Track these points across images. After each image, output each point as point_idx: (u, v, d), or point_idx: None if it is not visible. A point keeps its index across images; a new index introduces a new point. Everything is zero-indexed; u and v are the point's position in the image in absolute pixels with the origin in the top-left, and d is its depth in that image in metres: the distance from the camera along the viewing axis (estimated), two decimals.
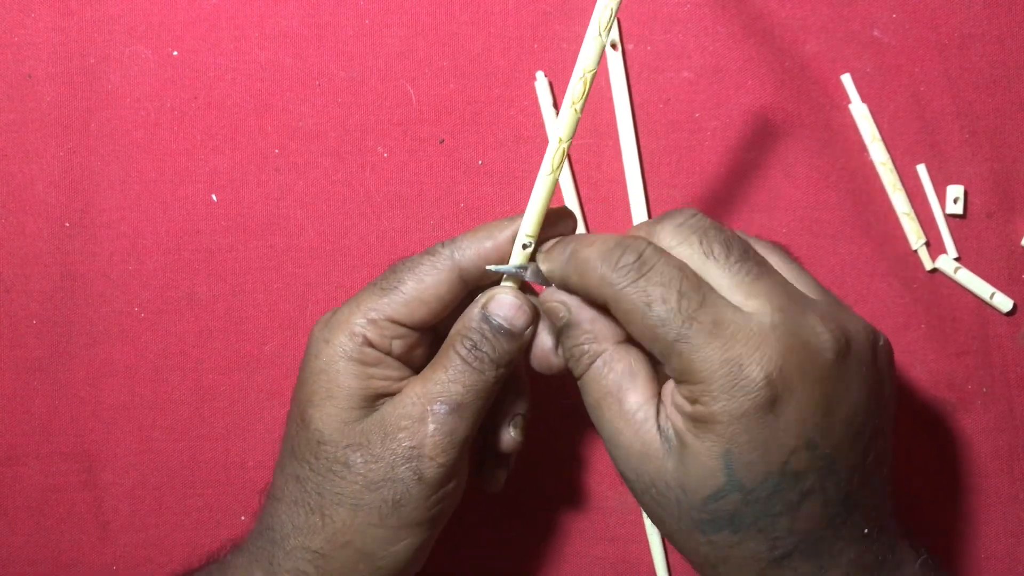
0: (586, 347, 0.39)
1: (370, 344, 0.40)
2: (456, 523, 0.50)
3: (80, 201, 0.51)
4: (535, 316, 0.41)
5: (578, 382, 0.40)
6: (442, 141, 0.51)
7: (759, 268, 0.37)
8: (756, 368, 0.34)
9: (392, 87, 0.51)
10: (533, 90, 0.51)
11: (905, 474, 0.50)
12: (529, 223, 0.40)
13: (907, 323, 0.50)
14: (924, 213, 0.51)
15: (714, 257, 0.37)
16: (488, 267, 0.40)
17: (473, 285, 0.41)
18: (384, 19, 0.51)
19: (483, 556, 0.50)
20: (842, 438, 0.36)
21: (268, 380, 0.51)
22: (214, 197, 0.51)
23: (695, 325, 0.35)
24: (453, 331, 0.41)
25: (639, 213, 0.50)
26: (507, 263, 0.40)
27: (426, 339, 0.42)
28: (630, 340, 0.39)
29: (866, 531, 0.37)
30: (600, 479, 0.51)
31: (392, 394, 0.40)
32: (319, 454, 0.39)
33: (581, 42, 0.51)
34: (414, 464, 0.39)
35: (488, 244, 0.40)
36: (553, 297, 0.40)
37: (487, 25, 0.51)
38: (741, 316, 0.35)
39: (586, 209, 0.51)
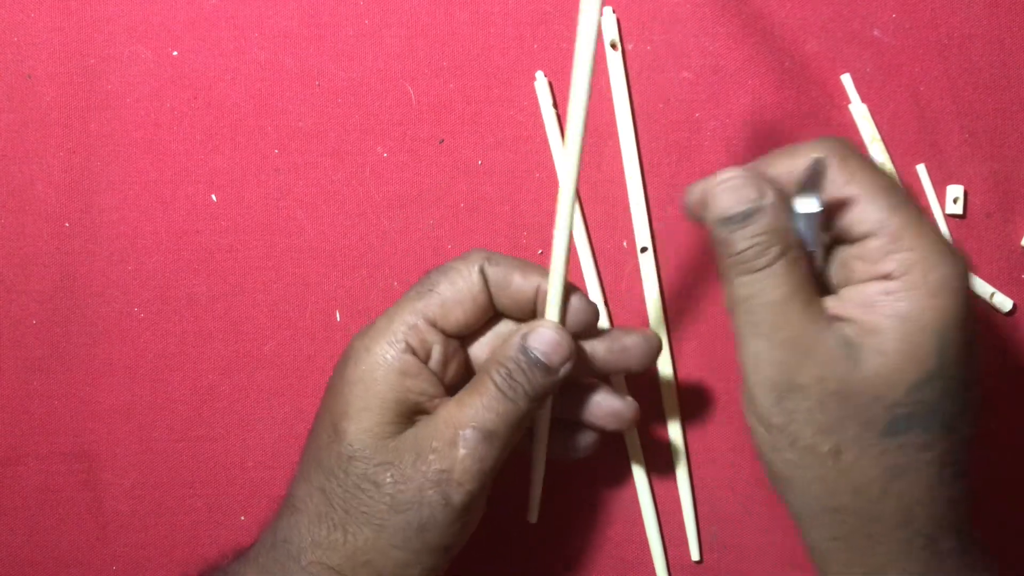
0: (780, 236, 0.37)
1: (411, 351, 0.40)
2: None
3: (80, 201, 0.51)
4: (575, 353, 0.41)
5: (752, 276, 0.37)
6: (442, 141, 0.51)
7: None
8: (960, 255, 0.36)
9: (392, 87, 0.51)
10: (533, 90, 0.51)
11: None
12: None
13: None
14: (924, 213, 0.51)
15: None
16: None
17: (495, 301, 0.42)
18: (384, 19, 0.51)
19: (483, 556, 0.50)
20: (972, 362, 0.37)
21: (268, 380, 0.51)
22: (214, 197, 0.51)
23: (911, 199, 0.37)
24: (491, 359, 0.40)
25: (639, 213, 0.50)
26: (528, 305, 0.42)
27: (459, 355, 0.42)
28: None
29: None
30: (600, 479, 0.51)
31: (427, 411, 0.40)
32: (349, 470, 0.39)
33: None
34: (443, 489, 0.38)
35: (518, 279, 0.41)
36: (748, 175, 0.38)
37: (487, 25, 0.51)
38: None
39: (586, 209, 0.51)
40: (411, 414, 0.40)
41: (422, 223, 0.51)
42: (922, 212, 0.37)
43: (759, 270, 0.37)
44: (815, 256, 0.38)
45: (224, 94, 0.51)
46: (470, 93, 0.51)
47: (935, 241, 0.36)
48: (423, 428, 0.39)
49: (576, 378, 0.43)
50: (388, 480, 0.38)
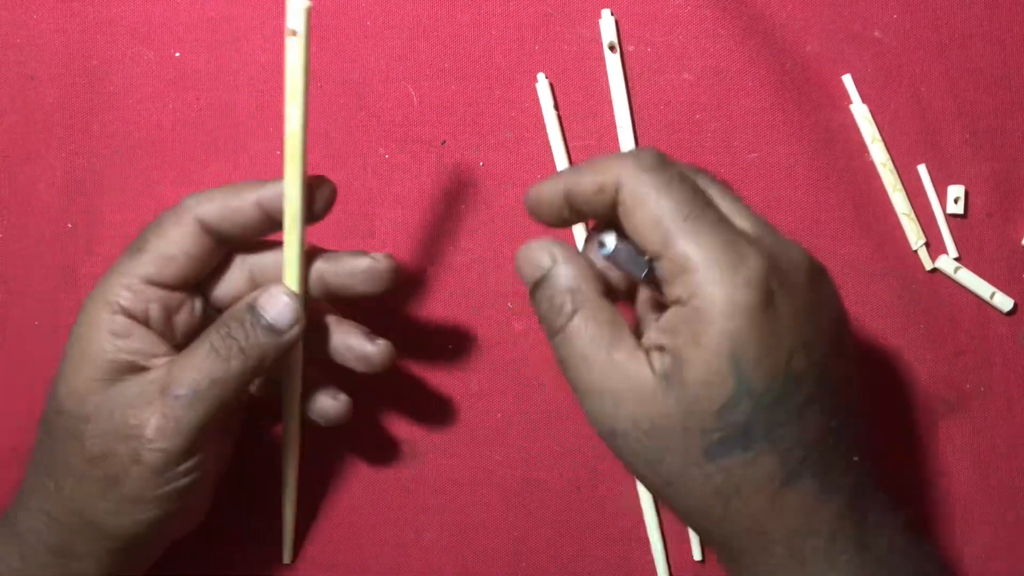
0: (570, 295, 0.38)
1: (125, 312, 0.40)
2: (455, 522, 0.50)
3: (82, 202, 0.51)
4: (303, 318, 0.41)
5: (557, 337, 0.38)
6: (444, 142, 0.51)
7: (734, 200, 0.39)
8: (755, 259, 0.35)
9: (393, 88, 0.51)
10: (534, 92, 0.51)
11: (905, 473, 0.50)
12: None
13: (907, 323, 0.51)
14: (925, 213, 0.51)
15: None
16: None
17: (224, 242, 0.42)
18: (385, 20, 0.51)
19: (482, 556, 0.50)
20: (828, 349, 0.36)
21: None
22: None
23: (704, 214, 0.35)
24: (218, 319, 0.41)
25: None
26: (250, 226, 0.41)
27: (191, 304, 0.42)
28: (607, 295, 0.38)
29: (856, 459, 0.37)
30: (600, 479, 0.51)
31: (142, 368, 0.40)
32: (56, 423, 0.40)
33: (582, 44, 0.51)
34: (132, 445, 0.39)
35: (234, 202, 0.40)
36: (541, 243, 0.39)
37: (488, 27, 0.51)
38: (732, 220, 0.37)
39: None
40: (125, 371, 0.40)
41: (422, 223, 0.51)
42: (718, 226, 0.35)
43: (560, 330, 0.38)
44: (648, 278, 0.38)
45: (226, 95, 0.51)
46: (472, 94, 0.51)
47: (722, 257, 0.35)
48: (129, 385, 0.39)
49: (318, 317, 0.44)
50: (86, 434, 0.39)
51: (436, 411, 0.51)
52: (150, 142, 0.51)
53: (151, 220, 0.50)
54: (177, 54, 0.51)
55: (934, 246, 0.51)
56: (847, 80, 0.51)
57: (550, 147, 0.51)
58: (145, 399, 0.39)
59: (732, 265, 0.34)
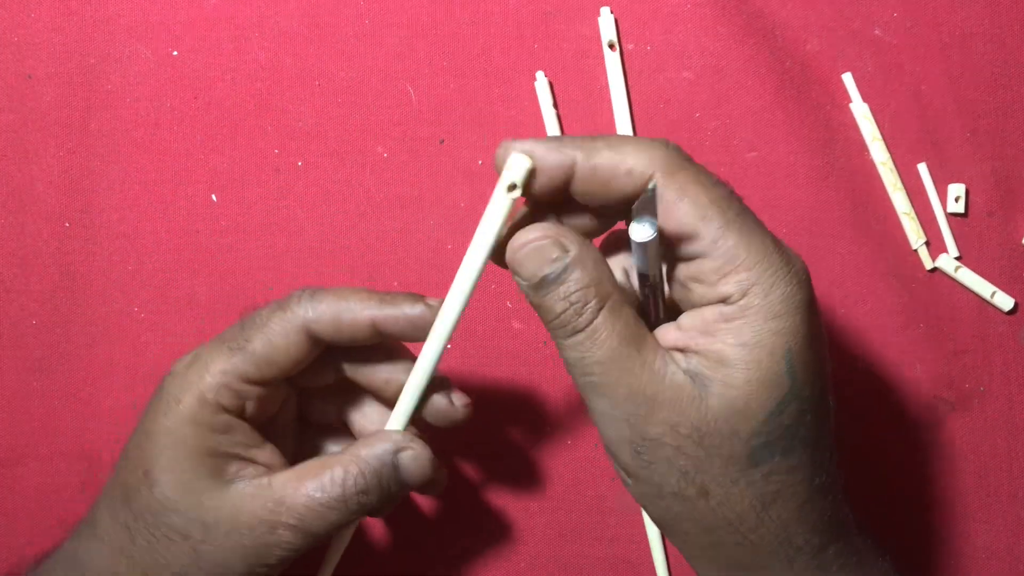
0: (593, 290, 0.34)
1: (223, 409, 0.39)
2: (454, 522, 0.50)
3: (80, 201, 0.51)
4: (437, 478, 0.40)
5: (578, 336, 0.34)
6: (442, 141, 0.51)
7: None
8: (800, 260, 0.34)
9: (392, 87, 0.51)
10: (533, 90, 0.51)
11: (905, 472, 0.50)
12: (518, 166, 0.35)
13: (907, 322, 0.50)
14: (925, 212, 0.51)
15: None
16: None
17: (329, 342, 0.40)
18: (384, 19, 0.51)
19: (482, 556, 0.50)
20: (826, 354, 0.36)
21: None
22: (214, 197, 0.51)
23: (748, 212, 0.34)
24: (351, 454, 0.39)
25: None
26: (363, 339, 0.39)
27: (280, 393, 0.41)
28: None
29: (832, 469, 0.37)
30: (600, 478, 0.50)
31: (243, 461, 0.39)
32: (160, 519, 0.38)
33: (582, 42, 0.51)
34: (249, 562, 0.38)
35: (347, 316, 0.39)
36: (546, 231, 0.35)
37: (487, 25, 0.51)
38: None
39: None
40: (226, 465, 0.39)
41: (422, 223, 0.51)
42: (759, 225, 0.34)
43: (582, 330, 0.34)
44: (657, 282, 0.36)
45: (224, 94, 0.51)
46: (470, 93, 0.51)
47: (772, 257, 0.33)
48: (246, 500, 0.38)
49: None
50: (198, 537, 0.38)
51: None
52: (148, 141, 0.51)
53: (148, 220, 0.51)
54: (175, 53, 0.51)
55: (934, 245, 0.51)
56: (847, 79, 0.51)
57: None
58: (267, 525, 0.38)
59: (785, 264, 0.33)
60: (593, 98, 0.51)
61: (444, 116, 0.51)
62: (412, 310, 0.39)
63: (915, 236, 0.50)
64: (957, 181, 0.51)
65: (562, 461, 0.51)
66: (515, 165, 0.34)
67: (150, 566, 0.38)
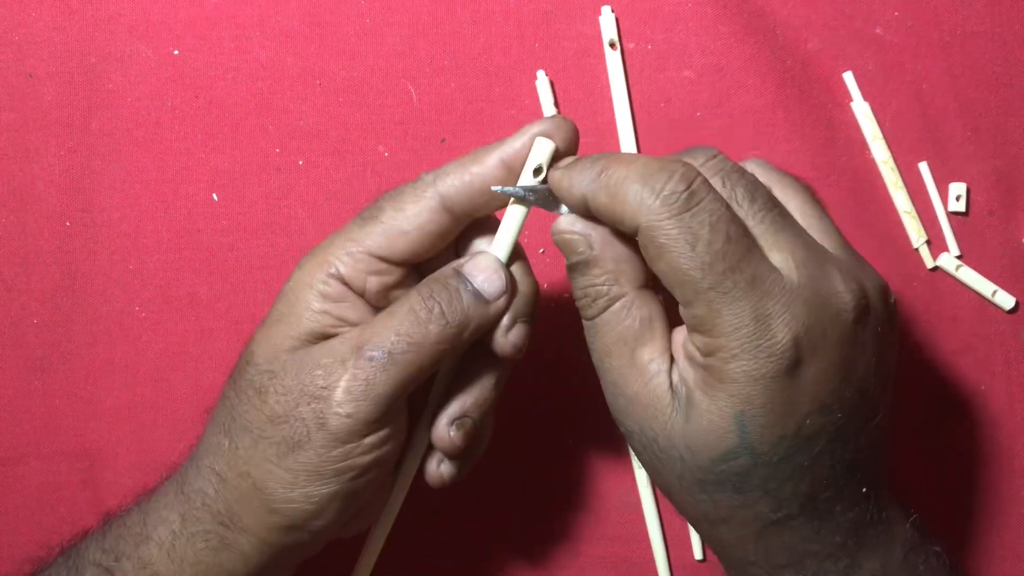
0: (605, 288, 0.36)
1: (341, 279, 0.38)
2: (454, 521, 0.50)
3: (81, 200, 0.51)
4: (510, 290, 0.38)
5: (587, 323, 0.37)
6: (443, 140, 0.51)
7: (782, 219, 0.35)
8: (784, 330, 0.33)
9: (393, 86, 0.51)
10: (534, 89, 0.51)
11: (905, 471, 0.50)
12: (542, 150, 0.37)
13: (908, 321, 0.50)
14: (926, 211, 0.51)
15: (737, 203, 0.35)
16: (493, 188, 0.37)
17: (463, 217, 0.38)
18: (385, 18, 0.51)
19: (482, 556, 0.50)
20: (855, 401, 0.35)
21: None
22: (215, 196, 0.51)
23: (735, 275, 0.33)
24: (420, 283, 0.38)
25: None
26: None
27: (409, 283, 0.39)
28: (650, 285, 0.37)
29: (864, 490, 0.36)
30: (600, 478, 0.50)
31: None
32: (243, 374, 0.38)
33: (582, 41, 0.51)
34: (318, 406, 0.36)
35: (475, 169, 0.37)
36: (574, 227, 0.37)
37: (488, 24, 0.51)
38: (775, 273, 0.33)
39: None
40: (324, 336, 0.38)
41: None
42: (752, 280, 0.33)
43: (590, 319, 0.37)
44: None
45: (225, 93, 0.51)
46: (471, 92, 0.51)
47: (743, 330, 0.33)
48: (322, 344, 0.37)
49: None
50: (271, 390, 0.36)
51: None
52: (149, 140, 0.51)
53: (149, 219, 0.51)
54: (176, 52, 0.51)
55: (935, 244, 0.51)
56: (848, 77, 0.51)
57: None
58: (337, 358, 0.36)
59: (756, 336, 0.33)
60: (594, 97, 0.51)
61: (445, 115, 0.51)
62: (540, 125, 0.38)
63: (916, 235, 0.50)
64: (958, 180, 0.51)
65: (562, 461, 0.51)
66: (540, 149, 0.37)
67: (233, 429, 0.37)
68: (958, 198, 0.50)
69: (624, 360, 0.36)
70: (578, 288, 0.37)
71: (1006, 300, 0.50)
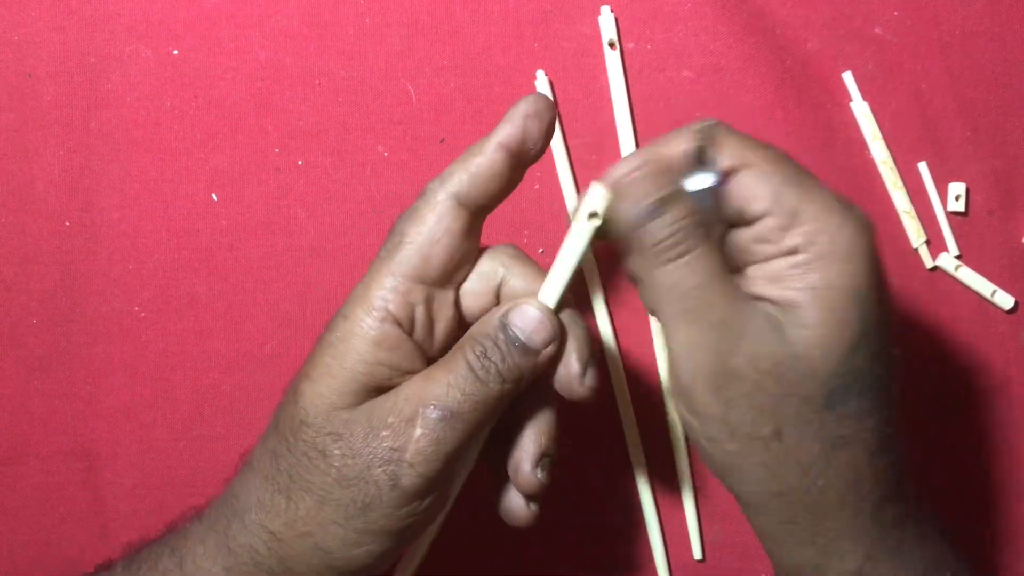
0: (698, 219, 0.36)
1: (392, 319, 0.37)
2: (453, 521, 0.50)
3: (80, 200, 0.51)
4: (559, 336, 0.38)
5: (678, 261, 0.35)
6: (442, 140, 0.51)
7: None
8: (861, 210, 0.36)
9: (392, 86, 0.51)
10: (533, 89, 0.51)
11: None
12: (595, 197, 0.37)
13: (907, 322, 0.50)
14: (925, 211, 0.51)
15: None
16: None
17: (479, 211, 0.38)
18: (384, 18, 0.51)
19: (481, 556, 0.50)
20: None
21: (268, 380, 0.51)
22: (214, 196, 0.51)
23: (812, 176, 0.36)
24: (467, 334, 0.38)
25: None
26: (499, 174, 0.38)
27: (449, 310, 0.39)
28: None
29: (902, 483, 0.37)
30: (600, 478, 0.50)
31: (394, 386, 0.37)
32: (299, 434, 0.37)
33: (581, 41, 0.51)
34: (391, 468, 0.35)
35: (477, 160, 0.38)
36: (652, 161, 0.37)
37: (488, 24, 0.51)
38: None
39: None
40: (379, 389, 0.37)
41: None
42: (814, 179, 0.36)
43: (685, 255, 0.35)
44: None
45: (224, 93, 0.51)
46: (471, 92, 0.51)
47: (835, 207, 0.35)
48: (382, 401, 0.36)
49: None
50: (336, 452, 0.36)
51: None
52: (148, 140, 0.51)
53: (149, 219, 0.51)
54: (175, 52, 0.51)
55: (935, 244, 0.51)
56: (847, 77, 0.51)
57: (550, 144, 0.51)
58: (403, 418, 0.36)
59: (846, 213, 0.35)
60: (593, 97, 0.51)
61: (444, 115, 0.51)
62: (524, 106, 0.38)
63: (915, 235, 0.50)
64: (957, 180, 0.51)
65: (562, 461, 0.51)
66: (594, 195, 0.37)
67: (292, 490, 0.37)
68: (957, 198, 0.50)
69: (724, 293, 0.35)
70: (665, 227, 0.35)
71: (1005, 300, 0.50)
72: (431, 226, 0.37)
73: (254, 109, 0.51)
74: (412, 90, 0.51)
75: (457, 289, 0.39)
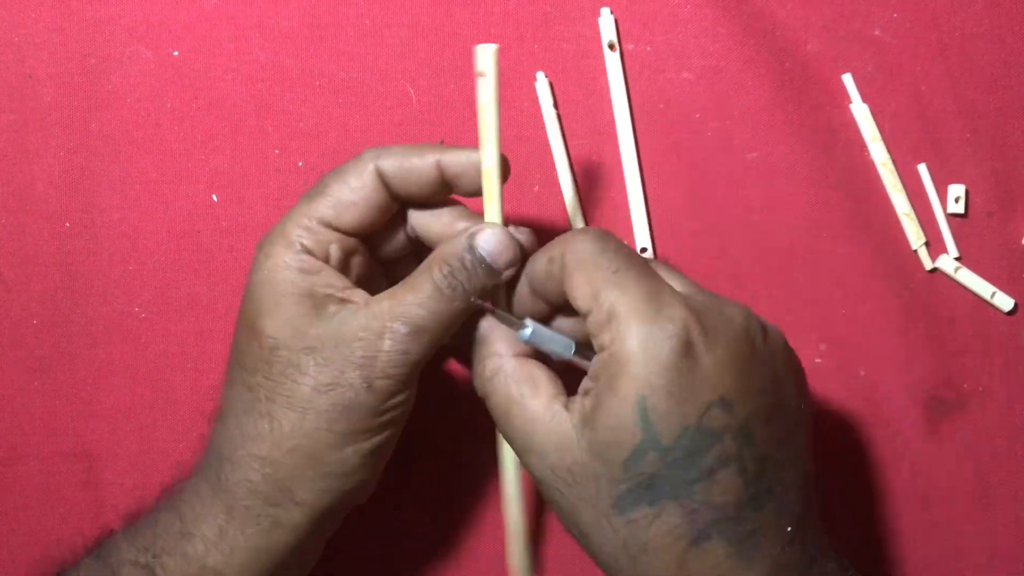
0: (488, 361, 0.40)
1: (308, 251, 0.41)
2: (453, 521, 0.50)
3: (80, 201, 0.51)
4: (519, 258, 0.42)
5: (486, 398, 0.41)
6: (442, 141, 0.51)
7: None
8: (678, 310, 0.35)
9: (392, 87, 0.51)
10: (533, 91, 0.51)
11: (905, 472, 0.50)
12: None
13: (907, 323, 0.50)
14: (925, 212, 0.51)
15: None
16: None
17: (400, 197, 0.42)
18: (384, 19, 0.51)
19: (482, 556, 0.50)
20: (757, 410, 0.36)
21: None
22: (214, 197, 0.51)
23: (634, 267, 0.37)
24: (432, 256, 0.41)
25: (638, 213, 0.50)
26: (425, 183, 0.42)
27: (361, 254, 0.43)
28: (527, 355, 0.41)
29: (789, 529, 0.36)
30: None
31: (341, 301, 0.40)
32: (273, 360, 0.40)
33: (581, 43, 0.51)
34: (364, 372, 0.39)
35: (414, 160, 0.41)
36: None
37: (487, 26, 0.51)
38: (669, 284, 0.38)
39: (586, 210, 0.51)
40: (324, 303, 0.40)
41: None
42: (645, 275, 0.37)
43: (482, 390, 0.41)
44: (574, 354, 0.40)
45: (225, 94, 0.51)
46: (470, 93, 0.51)
47: (641, 306, 0.36)
48: (349, 318, 0.39)
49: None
50: (311, 363, 0.39)
51: (433, 410, 0.51)
52: (148, 141, 0.51)
53: (149, 220, 0.51)
54: (175, 53, 0.51)
55: (934, 246, 0.51)
56: (847, 79, 0.51)
57: (549, 146, 0.51)
58: (372, 332, 0.39)
59: (651, 313, 0.35)
60: (593, 98, 0.51)
61: (444, 116, 0.51)
62: (472, 152, 0.42)
63: (915, 237, 0.50)
64: (957, 182, 0.51)
65: None
66: (483, 54, 0.40)
67: (274, 411, 0.39)
68: (957, 200, 0.50)
69: (523, 414, 0.39)
70: (475, 366, 0.42)
71: (1005, 302, 0.50)
72: (351, 188, 0.41)
73: (254, 110, 0.51)
74: (412, 91, 0.51)
75: (375, 244, 0.44)
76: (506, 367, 0.40)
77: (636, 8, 0.51)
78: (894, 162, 0.51)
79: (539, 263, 0.41)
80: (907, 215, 0.50)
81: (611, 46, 0.51)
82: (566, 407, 0.38)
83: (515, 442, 0.39)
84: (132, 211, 0.51)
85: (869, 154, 0.51)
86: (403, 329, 0.39)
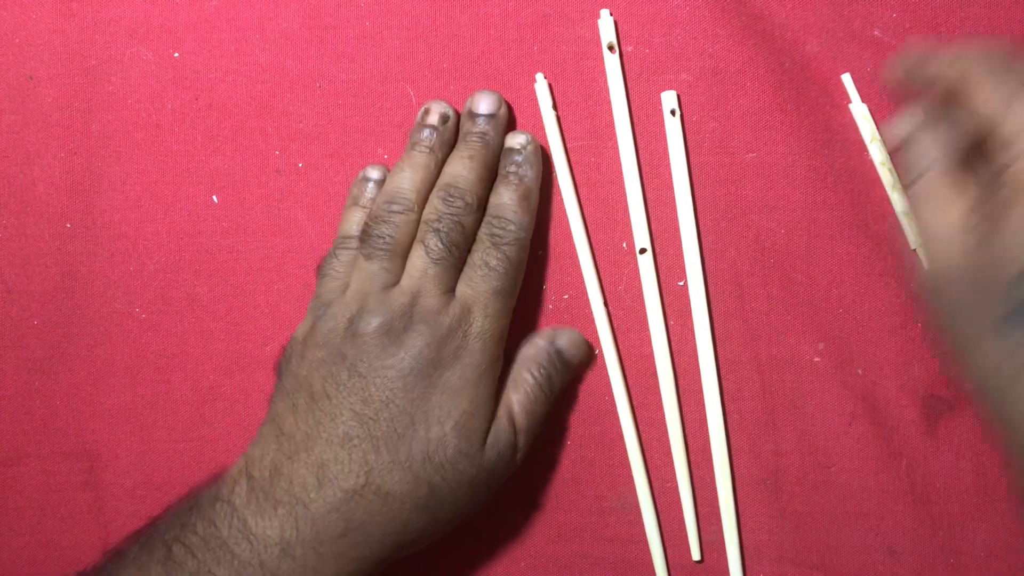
0: (923, 158, 0.40)
1: None
2: (451, 532, 0.50)
3: (81, 202, 0.51)
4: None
5: (908, 190, 0.41)
6: (411, 93, 0.51)
7: None
8: None
9: (393, 89, 0.51)
10: (533, 92, 0.51)
11: (904, 472, 0.50)
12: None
13: (906, 322, 0.50)
14: None
15: None
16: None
17: None
18: (385, 21, 0.51)
19: (482, 556, 0.50)
20: None
21: (269, 381, 0.51)
22: (215, 198, 0.51)
23: None
24: (523, 359, 0.47)
25: (638, 215, 0.50)
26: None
27: None
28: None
29: None
30: (599, 478, 0.50)
31: None
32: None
33: (581, 44, 0.51)
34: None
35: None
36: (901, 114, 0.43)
37: (487, 27, 0.51)
38: None
39: (585, 211, 0.51)
40: None
41: None
42: None
43: (909, 185, 0.42)
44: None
45: (225, 95, 0.51)
46: (470, 95, 0.51)
47: None
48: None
49: None
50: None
51: None
52: (149, 142, 0.51)
53: (150, 221, 0.51)
54: (176, 54, 0.51)
55: None
56: (846, 79, 0.51)
57: (548, 147, 0.51)
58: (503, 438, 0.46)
59: None
60: (592, 100, 0.51)
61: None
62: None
63: (914, 236, 0.50)
64: None
65: (562, 461, 0.51)
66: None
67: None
68: None
69: (936, 212, 0.39)
70: (909, 153, 0.42)
71: None
72: None
73: (255, 111, 0.51)
74: (412, 93, 0.51)
75: None
76: (938, 169, 0.40)
77: (635, 10, 0.51)
78: (893, 162, 0.51)
79: (930, 61, 0.41)
80: (906, 214, 0.50)
81: (610, 48, 0.51)
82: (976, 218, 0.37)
83: (926, 236, 0.40)
84: (132, 212, 0.51)
85: (868, 154, 0.51)
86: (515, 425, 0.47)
